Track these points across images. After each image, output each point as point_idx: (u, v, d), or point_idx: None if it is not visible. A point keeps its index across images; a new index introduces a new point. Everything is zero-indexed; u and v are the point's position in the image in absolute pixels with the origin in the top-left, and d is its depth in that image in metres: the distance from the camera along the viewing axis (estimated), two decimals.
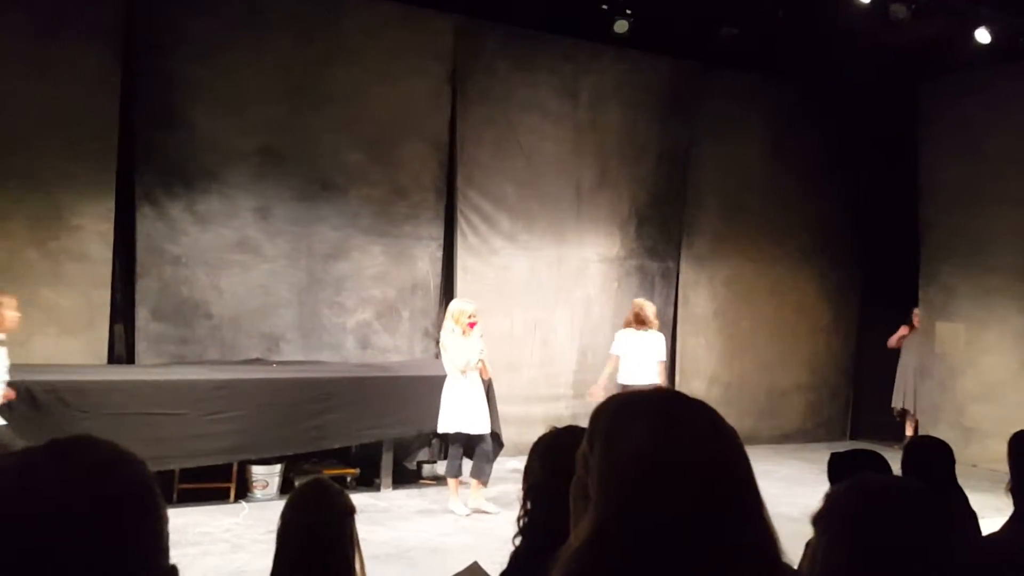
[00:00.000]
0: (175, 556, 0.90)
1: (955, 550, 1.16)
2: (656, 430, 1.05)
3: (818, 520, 1.23)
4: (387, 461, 6.99)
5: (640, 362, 7.55)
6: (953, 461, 3.14)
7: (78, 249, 7.10)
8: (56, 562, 0.77)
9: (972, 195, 9.08)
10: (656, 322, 7.69)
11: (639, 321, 7.62)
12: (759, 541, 1.00)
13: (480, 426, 6.50)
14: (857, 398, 10.58)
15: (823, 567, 1.19)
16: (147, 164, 7.33)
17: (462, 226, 8.51)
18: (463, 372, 6.47)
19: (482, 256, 8.61)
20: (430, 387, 6.70)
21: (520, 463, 2.30)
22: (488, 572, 2.66)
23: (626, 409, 1.09)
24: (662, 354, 7.73)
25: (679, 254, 9.61)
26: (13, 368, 6.18)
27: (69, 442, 0.86)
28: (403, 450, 7.32)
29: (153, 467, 0.90)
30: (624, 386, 7.31)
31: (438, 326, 8.45)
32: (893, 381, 9.89)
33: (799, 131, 9.89)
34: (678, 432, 1.04)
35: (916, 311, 9.72)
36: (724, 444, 1.05)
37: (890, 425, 9.90)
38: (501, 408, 7.05)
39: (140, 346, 7.30)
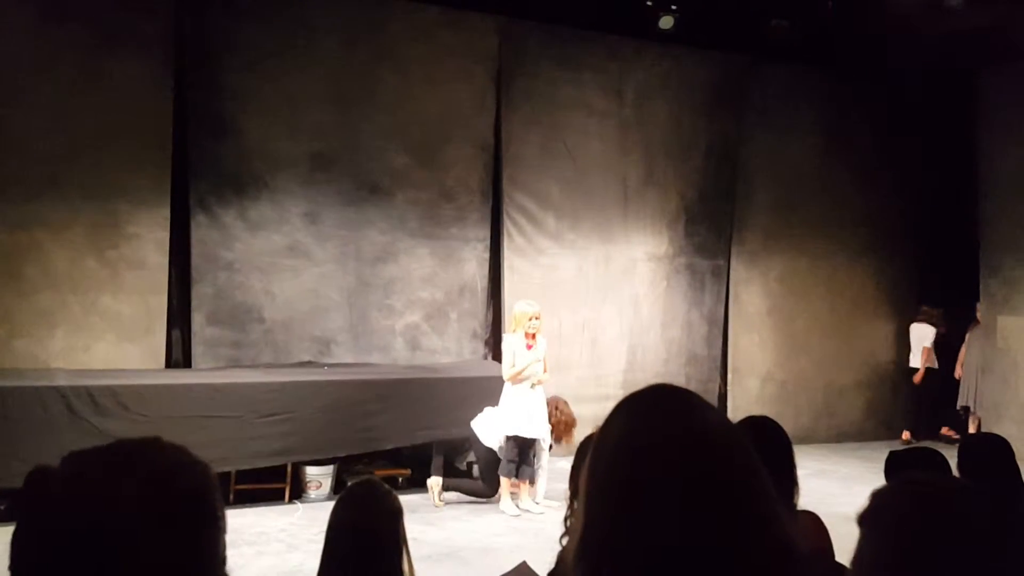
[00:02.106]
0: (232, 555, 0.92)
1: (1009, 551, 1.12)
2: (629, 425, 0.98)
3: (864, 519, 1.20)
4: (438, 462, 7.02)
5: (914, 350, 9.74)
6: (1013, 458, 3.04)
7: (135, 257, 7.28)
8: (121, 561, 0.79)
9: None
10: (927, 314, 9.60)
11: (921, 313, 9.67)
12: (758, 541, 0.91)
13: (536, 431, 6.47)
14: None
15: (868, 566, 1.16)
16: (200, 172, 7.49)
17: (508, 227, 8.52)
18: (509, 380, 6.41)
19: (529, 256, 8.60)
20: (479, 388, 6.70)
21: (569, 463, 2.30)
22: (537, 572, 2.66)
23: (616, 406, 1.03)
24: (924, 341, 9.59)
25: (730, 251, 9.47)
26: (76, 374, 6.38)
27: (139, 444, 0.88)
28: (454, 450, 7.34)
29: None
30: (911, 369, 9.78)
31: (486, 327, 8.48)
32: (953, 377, 9.66)
33: (852, 123, 9.67)
34: (651, 428, 0.96)
35: (979, 305, 9.46)
36: (701, 438, 0.95)
37: (955, 423, 9.64)
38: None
39: (196, 350, 7.46)
